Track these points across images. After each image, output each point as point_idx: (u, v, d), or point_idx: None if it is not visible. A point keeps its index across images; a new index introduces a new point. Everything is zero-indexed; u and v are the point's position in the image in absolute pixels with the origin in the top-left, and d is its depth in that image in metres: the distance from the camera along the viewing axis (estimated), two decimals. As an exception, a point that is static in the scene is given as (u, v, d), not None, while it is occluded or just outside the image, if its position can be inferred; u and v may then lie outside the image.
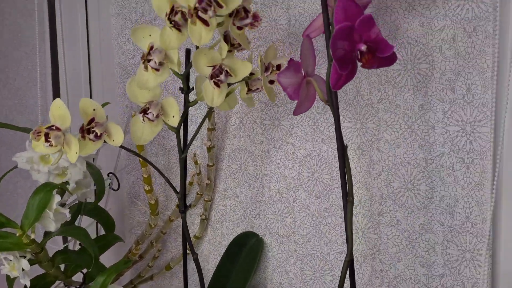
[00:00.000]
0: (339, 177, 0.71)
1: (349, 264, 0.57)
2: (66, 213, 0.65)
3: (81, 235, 0.66)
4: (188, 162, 0.83)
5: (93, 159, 0.81)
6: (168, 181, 0.67)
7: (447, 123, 0.61)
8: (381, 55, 0.51)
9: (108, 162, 0.92)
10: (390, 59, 0.52)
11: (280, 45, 0.76)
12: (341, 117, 0.70)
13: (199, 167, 0.81)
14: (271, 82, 0.60)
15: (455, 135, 0.61)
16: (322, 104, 0.71)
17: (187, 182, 0.86)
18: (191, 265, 0.86)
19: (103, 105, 0.71)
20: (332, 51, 0.49)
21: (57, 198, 0.63)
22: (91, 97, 1.03)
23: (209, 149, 0.82)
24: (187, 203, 0.90)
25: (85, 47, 1.02)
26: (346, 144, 0.57)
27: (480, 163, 0.59)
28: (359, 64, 0.51)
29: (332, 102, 0.56)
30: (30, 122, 1.11)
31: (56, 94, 1.04)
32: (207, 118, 0.80)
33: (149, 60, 0.56)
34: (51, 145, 0.54)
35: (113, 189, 0.88)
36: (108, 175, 0.88)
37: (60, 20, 1.04)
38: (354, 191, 0.69)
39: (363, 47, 0.50)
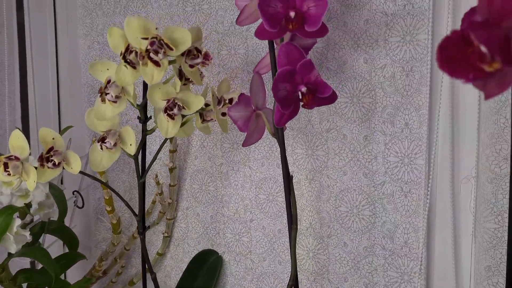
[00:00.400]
0: (291, 201, 0.75)
1: None
2: (27, 235, 0.67)
3: (41, 256, 0.68)
4: (152, 181, 0.86)
5: (62, 177, 0.83)
6: (127, 204, 0.70)
7: (388, 154, 0.66)
8: (321, 96, 0.55)
9: (76, 179, 0.94)
10: (330, 99, 0.56)
11: (239, 73, 0.80)
12: (294, 144, 0.75)
13: (161, 187, 0.84)
14: (224, 114, 0.63)
15: (395, 165, 0.65)
16: (276, 131, 0.75)
17: (151, 200, 0.89)
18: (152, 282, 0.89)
19: (65, 129, 0.75)
20: (274, 92, 0.53)
21: (17, 222, 0.65)
22: (59, 116, 1.05)
23: (171, 169, 0.85)
24: (152, 220, 0.93)
25: (54, 65, 1.04)
26: (292, 175, 0.61)
27: (416, 192, 0.64)
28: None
29: (278, 136, 0.60)
30: (-2, 137, 1.13)
31: (25, 110, 1.06)
32: (168, 141, 0.84)
33: (107, 94, 0.59)
34: (9, 174, 0.57)
35: (78, 206, 0.91)
36: (73, 193, 0.90)
37: (30, 37, 1.06)
38: (305, 214, 0.74)
39: (304, 89, 0.54)
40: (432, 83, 0.61)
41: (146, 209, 0.89)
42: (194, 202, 0.88)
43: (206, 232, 0.87)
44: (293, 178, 0.74)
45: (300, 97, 0.54)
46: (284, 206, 0.77)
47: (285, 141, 0.75)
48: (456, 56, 0.27)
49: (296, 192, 0.75)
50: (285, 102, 0.54)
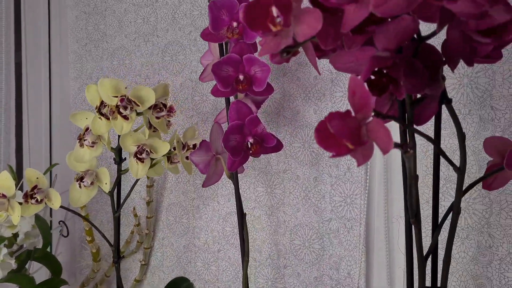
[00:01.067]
0: (254, 234, 0.83)
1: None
2: (12, 263, 0.75)
3: (25, 282, 0.76)
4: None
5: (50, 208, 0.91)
6: (103, 235, 0.78)
7: (334, 194, 0.74)
8: (267, 145, 0.64)
9: (63, 210, 1.02)
10: (276, 147, 0.65)
11: (209, 117, 0.89)
12: (256, 182, 0.83)
13: (138, 219, 0.93)
14: (188, 158, 0.72)
15: (339, 204, 0.74)
16: (240, 170, 0.84)
17: (130, 231, 0.97)
18: (129, 306, 0.96)
19: (51, 166, 0.83)
20: (224, 143, 0.62)
21: (3, 250, 0.73)
22: (50, 151, 1.14)
23: (148, 203, 0.93)
24: (131, 248, 1.01)
25: (47, 104, 1.14)
26: (245, 213, 0.69)
27: (357, 228, 0.72)
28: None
29: (233, 178, 0.68)
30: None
31: (19, 145, 1.15)
32: (146, 177, 0.93)
33: (85, 139, 0.68)
34: (-4, 210, 0.65)
35: (63, 235, 0.99)
36: (59, 223, 0.98)
37: (26, 77, 1.16)
38: (265, 247, 0.82)
39: (251, 140, 0.63)
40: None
41: (125, 239, 0.97)
42: (169, 233, 0.96)
43: (179, 261, 0.94)
44: (256, 213, 0.83)
45: (249, 146, 0.63)
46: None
47: (248, 180, 0.84)
48: (328, 136, 0.36)
49: (257, 226, 0.84)
50: (235, 151, 0.63)
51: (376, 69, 0.40)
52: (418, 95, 0.46)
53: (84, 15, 1.05)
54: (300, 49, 0.42)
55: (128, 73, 0.99)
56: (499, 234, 0.61)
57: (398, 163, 0.69)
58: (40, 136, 1.14)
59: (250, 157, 0.65)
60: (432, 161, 0.49)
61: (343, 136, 0.34)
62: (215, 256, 0.89)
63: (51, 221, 1.11)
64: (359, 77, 0.37)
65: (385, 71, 0.40)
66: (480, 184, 0.50)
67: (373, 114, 0.42)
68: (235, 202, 0.86)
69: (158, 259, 0.97)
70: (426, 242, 0.49)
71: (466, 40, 0.40)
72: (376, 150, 0.35)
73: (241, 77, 0.62)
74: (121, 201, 0.79)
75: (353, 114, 0.37)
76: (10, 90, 1.17)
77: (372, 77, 0.41)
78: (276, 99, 0.80)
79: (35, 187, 0.69)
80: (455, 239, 0.63)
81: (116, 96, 0.62)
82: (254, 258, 0.84)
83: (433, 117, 0.48)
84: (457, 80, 0.62)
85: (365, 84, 0.39)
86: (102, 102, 0.64)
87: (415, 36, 0.43)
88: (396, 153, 0.69)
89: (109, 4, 1.00)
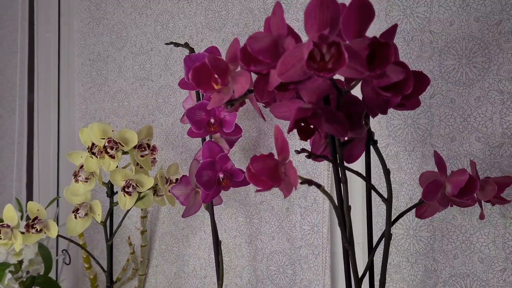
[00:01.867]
0: (235, 261, 0.91)
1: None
2: (16, 287, 0.84)
3: (26, 305, 0.85)
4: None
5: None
6: (97, 262, 0.86)
7: (303, 223, 0.82)
8: (236, 180, 0.72)
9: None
10: (245, 181, 0.73)
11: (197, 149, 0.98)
12: (236, 213, 0.91)
13: (133, 247, 1.01)
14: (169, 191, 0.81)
15: (308, 232, 0.81)
16: (224, 202, 0.92)
17: (126, 259, 1.05)
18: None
19: (53, 200, 0.93)
20: (197, 178, 0.70)
21: (8, 276, 0.82)
22: (58, 184, 1.24)
23: (142, 232, 1.02)
24: (127, 276, 1.09)
25: (56, 142, 1.24)
26: (220, 240, 0.77)
27: (323, 255, 0.79)
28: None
29: (209, 209, 0.77)
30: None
31: (29, 179, 1.26)
32: (140, 209, 1.01)
33: (79, 176, 0.77)
34: (1, 239, 0.74)
35: (65, 263, 1.08)
36: (62, 251, 1.07)
37: (37, 116, 1.27)
38: (245, 272, 0.89)
39: (221, 175, 0.71)
40: (330, 168, 0.78)
41: (122, 266, 1.05)
42: (162, 260, 1.04)
43: (171, 287, 1.02)
44: (237, 241, 0.90)
45: (220, 181, 0.72)
46: (229, 265, 0.92)
47: (230, 211, 0.92)
48: (254, 175, 0.44)
49: (238, 253, 0.91)
50: (207, 185, 0.71)
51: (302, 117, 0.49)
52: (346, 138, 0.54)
53: (89, 62, 1.16)
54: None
55: (127, 114, 1.09)
56: (442, 259, 0.67)
57: (360, 192, 0.76)
58: (49, 171, 1.24)
59: (230, 189, 0.73)
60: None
61: (262, 174, 0.42)
62: (202, 282, 0.97)
63: (56, 250, 1.20)
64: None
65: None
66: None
67: (305, 155, 0.51)
68: (219, 231, 0.94)
69: (152, 285, 1.05)
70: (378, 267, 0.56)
71: (376, 94, 0.49)
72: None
73: (212, 120, 0.71)
74: (113, 230, 0.87)
75: (275, 156, 0.45)
76: (22, 128, 1.28)
77: (302, 124, 0.50)
78: (253, 137, 0.88)
79: (36, 218, 0.78)
80: (405, 263, 0.70)
81: (104, 138, 0.71)
82: (235, 283, 0.91)
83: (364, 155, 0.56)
84: (402, 120, 0.70)
85: (296, 130, 0.48)
86: (93, 143, 0.74)
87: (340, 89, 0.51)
88: (358, 185, 0.77)
89: (110, 52, 1.12)
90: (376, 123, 0.73)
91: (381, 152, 0.71)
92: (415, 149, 0.69)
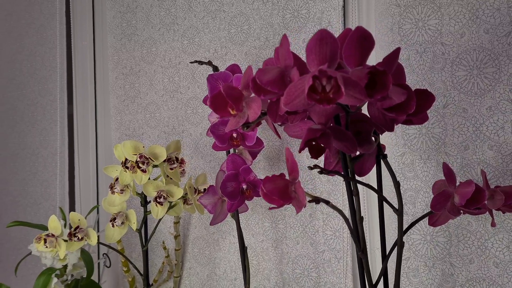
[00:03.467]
0: (263, 264, 0.95)
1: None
2: (61, 290, 0.91)
3: (71, 306, 0.92)
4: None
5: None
6: (134, 266, 0.93)
7: (325, 229, 0.85)
8: (259, 190, 0.76)
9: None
10: (267, 191, 0.77)
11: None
12: (263, 218, 0.95)
13: (167, 251, 1.07)
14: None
15: (330, 237, 0.85)
16: (251, 208, 0.97)
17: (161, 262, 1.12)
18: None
19: (92, 209, 1.00)
20: (222, 189, 0.75)
21: (54, 280, 0.90)
22: (97, 192, 1.32)
23: (175, 237, 1.08)
24: (163, 278, 1.15)
25: (94, 152, 1.32)
26: (246, 246, 0.82)
27: (345, 259, 0.83)
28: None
29: (235, 218, 0.81)
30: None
31: (71, 187, 1.34)
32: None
33: (115, 188, 0.84)
34: (47, 247, 0.82)
35: (106, 266, 1.15)
36: (103, 255, 1.15)
37: (77, 127, 1.35)
38: (273, 275, 0.93)
39: (245, 186, 0.76)
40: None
41: (158, 269, 1.12)
42: (194, 263, 1.09)
43: (203, 288, 1.08)
44: (264, 245, 0.95)
45: (244, 191, 0.76)
46: (257, 268, 0.97)
47: (257, 216, 0.96)
48: (267, 194, 0.48)
49: (265, 257, 0.96)
50: (232, 195, 0.76)
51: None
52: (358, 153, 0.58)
53: (122, 76, 1.23)
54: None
55: (158, 124, 1.15)
56: (459, 263, 0.70)
57: (376, 202, 0.79)
58: (89, 179, 1.33)
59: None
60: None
61: (273, 194, 0.46)
62: (233, 284, 1.02)
63: (98, 254, 1.28)
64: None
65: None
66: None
67: (318, 171, 0.55)
68: (246, 236, 0.99)
69: (186, 286, 1.11)
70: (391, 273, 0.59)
71: (382, 114, 0.52)
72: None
73: (234, 134, 0.75)
74: (148, 237, 0.94)
75: (286, 176, 0.49)
76: (64, 138, 1.37)
77: (313, 142, 0.54)
78: (276, 146, 0.93)
79: (77, 227, 0.85)
80: (423, 268, 0.72)
81: (135, 154, 0.77)
82: (264, 285, 0.96)
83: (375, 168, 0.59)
84: (417, 130, 0.73)
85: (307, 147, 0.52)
86: (126, 159, 0.80)
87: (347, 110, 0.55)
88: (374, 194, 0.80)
89: (142, 67, 1.18)
90: (392, 133, 0.76)
91: (397, 161, 0.74)
92: (430, 158, 0.71)
